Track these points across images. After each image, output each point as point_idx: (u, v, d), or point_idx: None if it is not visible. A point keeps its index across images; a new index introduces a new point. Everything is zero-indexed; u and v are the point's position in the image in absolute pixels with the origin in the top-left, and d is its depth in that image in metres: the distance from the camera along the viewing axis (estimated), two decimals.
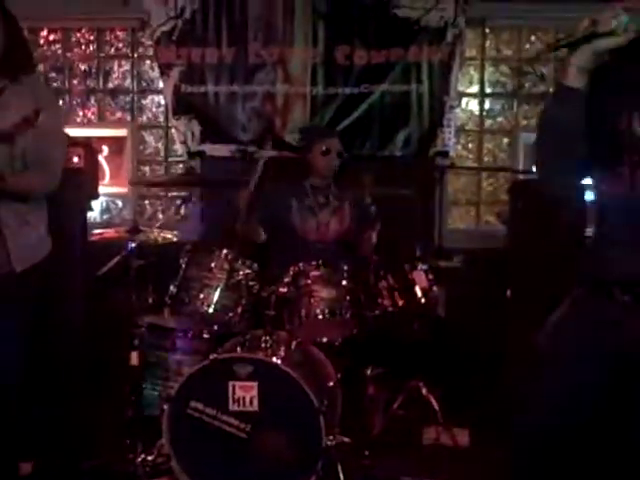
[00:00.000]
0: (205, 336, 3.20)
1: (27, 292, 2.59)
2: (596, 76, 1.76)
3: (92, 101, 5.05)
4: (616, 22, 1.64)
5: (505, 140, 4.94)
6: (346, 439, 3.10)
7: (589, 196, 3.18)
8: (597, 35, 1.66)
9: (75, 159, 3.78)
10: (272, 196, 3.75)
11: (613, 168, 1.76)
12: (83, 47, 5.03)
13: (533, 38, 4.91)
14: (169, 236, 3.70)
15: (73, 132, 4.22)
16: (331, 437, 2.88)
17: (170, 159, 5.00)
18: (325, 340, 3.22)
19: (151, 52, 4.81)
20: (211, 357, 2.85)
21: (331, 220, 3.79)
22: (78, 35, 5.02)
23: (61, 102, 4.99)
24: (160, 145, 5.04)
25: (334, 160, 3.78)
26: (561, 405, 1.87)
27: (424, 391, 3.58)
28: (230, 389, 2.78)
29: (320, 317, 3.08)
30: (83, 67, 5.03)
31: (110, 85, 5.04)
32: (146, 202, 5.06)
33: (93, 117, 5.05)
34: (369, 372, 3.32)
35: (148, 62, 4.97)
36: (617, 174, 1.76)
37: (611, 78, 1.77)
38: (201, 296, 3.07)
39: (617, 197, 1.78)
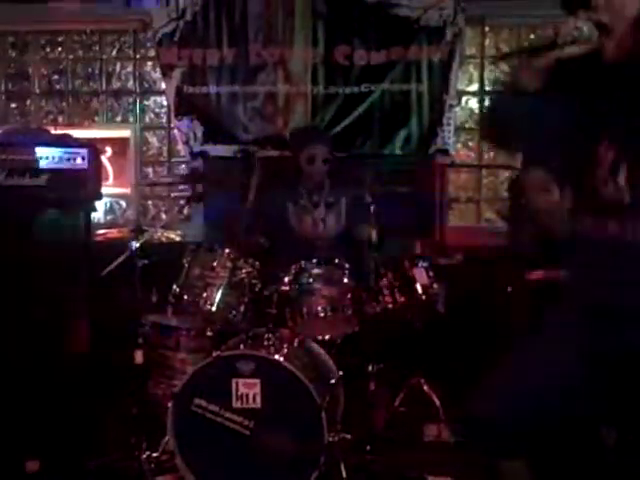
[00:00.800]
0: (208, 334, 3.23)
1: None
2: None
3: (95, 103, 5.09)
4: (578, 32, 1.66)
5: None
6: (348, 435, 3.13)
7: None
8: (559, 44, 1.69)
9: (79, 160, 3.81)
10: (268, 200, 3.78)
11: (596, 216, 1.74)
12: (85, 49, 5.07)
13: (532, 36, 4.94)
14: (172, 236, 3.75)
15: (77, 134, 4.26)
16: (333, 433, 2.91)
17: (173, 160, 5.05)
18: (327, 337, 3.25)
19: (153, 54, 4.85)
20: (214, 355, 2.89)
21: (327, 216, 3.83)
22: (80, 37, 5.06)
23: (64, 104, 5.04)
24: (163, 146, 5.08)
25: (319, 168, 3.81)
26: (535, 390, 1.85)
27: (425, 387, 3.61)
28: (233, 386, 2.81)
29: (322, 314, 3.11)
30: (86, 69, 5.07)
31: (113, 87, 5.08)
32: (149, 202, 5.10)
33: (96, 119, 5.09)
34: (370, 369, 3.33)
35: (150, 64, 5.02)
36: (602, 223, 1.73)
37: (581, 108, 1.75)
38: (204, 295, 3.10)
39: (604, 241, 1.74)
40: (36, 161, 3.71)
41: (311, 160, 3.79)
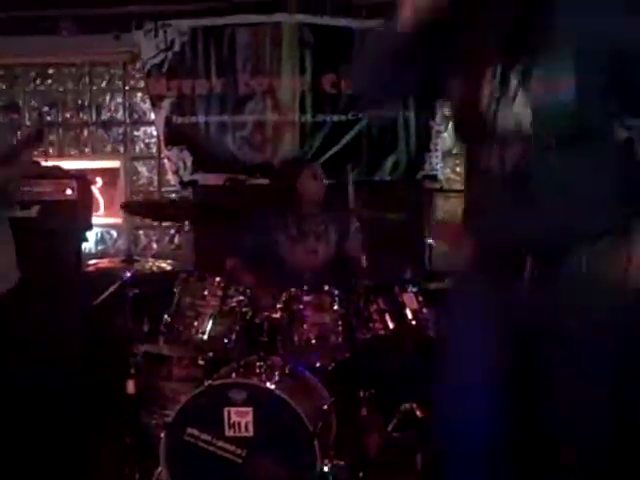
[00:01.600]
0: (200, 363, 3.24)
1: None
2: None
3: (85, 134, 5.13)
4: None
5: None
6: (341, 462, 3.13)
7: None
8: None
9: (69, 192, 3.84)
10: (258, 229, 3.80)
11: (481, 146, 1.67)
12: (75, 81, 5.11)
13: None
14: (163, 265, 3.76)
15: (67, 165, 4.29)
16: (326, 460, 2.91)
17: (163, 189, 5.07)
18: (318, 364, 3.26)
19: (142, 84, 4.90)
20: (206, 383, 2.89)
21: (318, 247, 3.84)
22: (70, 69, 5.10)
23: (54, 135, 5.08)
24: (153, 175, 5.11)
25: (322, 185, 3.84)
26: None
27: (418, 413, 3.61)
28: (226, 415, 2.81)
29: (313, 342, 3.13)
30: (76, 101, 5.11)
31: (103, 118, 5.11)
32: (140, 232, 5.11)
33: (87, 149, 5.12)
34: (362, 395, 3.34)
35: (139, 94, 5.06)
36: (488, 152, 1.66)
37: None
38: (195, 324, 3.12)
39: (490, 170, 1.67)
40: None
41: (315, 176, 3.82)
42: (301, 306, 3.18)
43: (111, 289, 3.44)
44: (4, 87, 5.16)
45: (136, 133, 5.12)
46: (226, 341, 3.14)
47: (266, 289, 3.43)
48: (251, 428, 2.81)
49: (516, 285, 1.68)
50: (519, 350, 1.71)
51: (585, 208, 1.62)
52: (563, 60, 1.53)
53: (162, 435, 2.84)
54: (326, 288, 3.25)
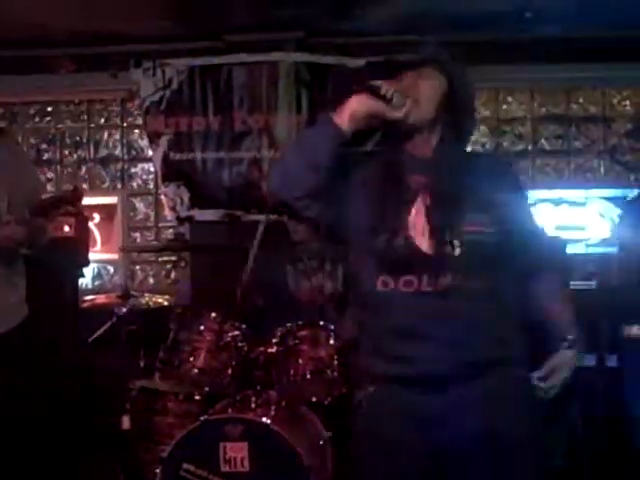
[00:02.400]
0: (196, 398, 3.23)
1: (7, 353, 2.64)
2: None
3: (83, 170, 5.17)
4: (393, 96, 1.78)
5: None
6: None
7: None
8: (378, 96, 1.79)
9: (66, 228, 3.86)
10: (267, 261, 3.81)
11: (400, 276, 1.79)
12: (74, 118, 5.17)
13: (510, 99, 5.08)
14: (160, 300, 3.77)
15: None
16: None
17: (160, 225, 5.11)
18: (314, 399, 3.25)
19: (140, 122, 4.95)
20: (202, 419, 2.88)
21: (325, 283, 3.84)
22: (69, 107, 5.17)
23: (52, 174, 5.13)
24: (150, 211, 5.15)
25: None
26: None
27: None
28: (221, 450, 2.80)
29: (309, 376, 3.13)
30: (74, 138, 5.17)
31: (100, 154, 5.17)
32: (137, 267, 5.13)
33: (84, 186, 5.16)
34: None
35: (137, 131, 5.12)
36: (406, 280, 1.79)
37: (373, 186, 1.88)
38: (191, 359, 3.13)
39: (407, 295, 1.79)
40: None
41: None
42: (297, 341, 3.19)
43: (107, 325, 3.45)
44: (3, 125, 5.20)
45: (134, 169, 5.17)
46: (222, 376, 3.14)
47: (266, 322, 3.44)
48: (247, 463, 2.79)
49: (436, 402, 1.79)
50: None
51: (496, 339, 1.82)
52: (484, 213, 1.80)
53: (157, 471, 2.82)
54: (321, 323, 3.25)
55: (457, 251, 1.76)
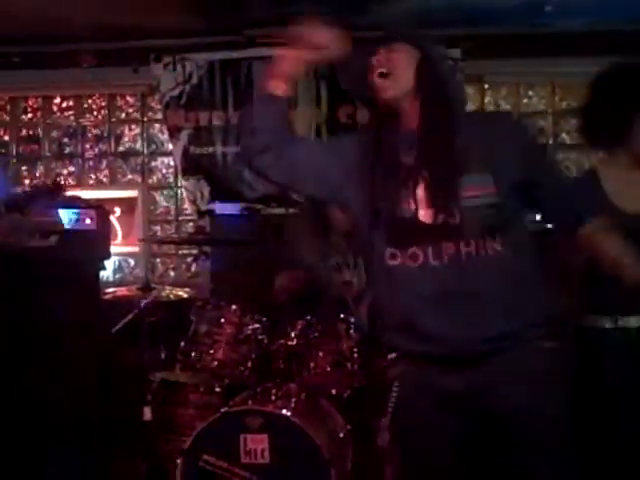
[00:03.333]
0: (216, 390, 3.25)
1: None
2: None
3: (104, 164, 5.21)
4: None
5: None
6: None
7: None
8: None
9: (88, 221, 3.89)
10: (300, 253, 3.82)
11: (405, 248, 1.81)
12: (95, 113, 5.21)
13: (531, 93, 5.06)
14: (180, 293, 3.79)
15: (86, 194, 4.35)
16: None
17: (180, 218, 5.13)
18: (334, 392, 3.26)
19: (160, 116, 4.97)
20: (222, 410, 2.90)
21: (353, 279, 3.84)
22: (90, 101, 5.20)
23: (73, 166, 5.17)
24: (170, 205, 5.18)
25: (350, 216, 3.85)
26: None
27: None
28: (242, 442, 2.82)
29: (329, 369, 3.14)
30: (95, 132, 5.20)
31: (121, 148, 5.21)
32: (157, 260, 5.16)
33: (105, 179, 5.20)
34: (378, 423, 3.33)
35: (158, 126, 5.14)
36: (412, 253, 1.80)
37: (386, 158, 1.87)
38: (211, 351, 3.15)
39: (414, 270, 1.80)
40: (59, 222, 3.77)
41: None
42: (317, 334, 3.19)
43: (128, 317, 3.48)
44: (26, 119, 5.25)
45: (154, 163, 5.20)
46: (242, 368, 3.16)
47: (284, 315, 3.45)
48: (267, 455, 2.81)
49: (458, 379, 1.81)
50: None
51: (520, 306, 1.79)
52: (485, 174, 1.78)
53: (178, 462, 2.84)
54: (342, 316, 3.26)
55: (457, 218, 1.75)
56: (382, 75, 1.84)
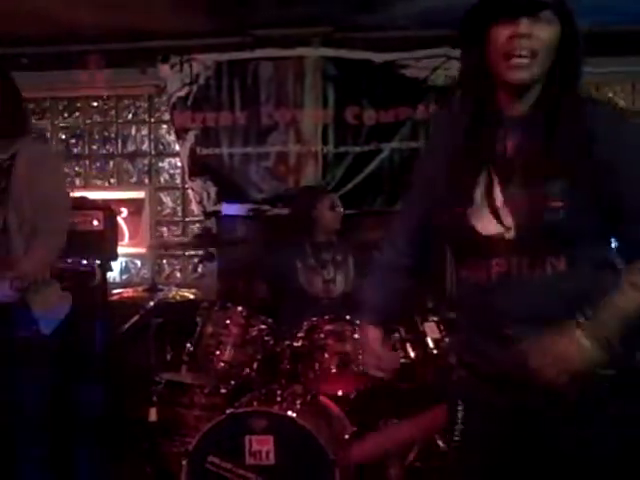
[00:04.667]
0: (222, 391, 3.26)
1: (54, 349, 2.66)
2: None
3: (111, 165, 5.22)
4: None
5: None
6: None
7: None
8: None
9: (95, 222, 3.89)
10: (277, 257, 3.83)
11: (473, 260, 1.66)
12: (102, 114, 5.22)
13: None
14: (187, 294, 3.80)
15: (93, 195, 4.35)
16: None
17: (187, 219, 5.14)
18: (339, 393, 3.27)
19: (167, 117, 4.98)
20: (227, 412, 2.91)
21: (336, 276, 3.84)
22: (97, 102, 5.21)
23: (80, 167, 5.18)
24: (177, 206, 5.18)
25: (340, 214, 3.88)
26: None
27: (440, 443, 3.58)
28: (247, 443, 2.82)
29: (334, 370, 3.14)
30: (102, 133, 5.22)
31: (128, 149, 5.21)
32: (164, 261, 5.16)
33: (112, 180, 5.21)
34: (384, 424, 3.33)
35: (165, 126, 5.14)
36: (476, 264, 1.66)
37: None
38: (217, 352, 3.16)
39: (477, 285, 1.66)
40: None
41: (332, 206, 3.86)
42: (322, 335, 3.19)
43: (135, 318, 3.48)
44: (33, 120, 5.26)
45: (161, 164, 5.20)
46: (248, 370, 3.17)
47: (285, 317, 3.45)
48: (272, 456, 2.81)
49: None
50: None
51: None
52: (555, 185, 1.55)
53: (183, 463, 2.85)
54: (347, 317, 3.26)
55: (511, 233, 1.59)
56: (523, 55, 1.54)
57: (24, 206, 2.49)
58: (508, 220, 1.59)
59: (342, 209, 3.93)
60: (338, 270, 3.85)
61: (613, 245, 1.70)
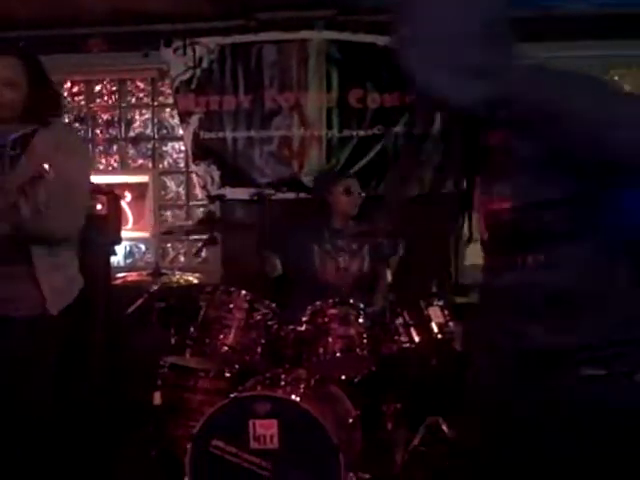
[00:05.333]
0: (226, 375, 3.26)
1: (61, 332, 2.66)
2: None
3: (114, 149, 5.21)
4: None
5: None
6: (367, 476, 3.13)
7: None
8: None
9: (99, 206, 3.89)
10: (293, 239, 3.84)
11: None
12: (105, 97, 5.20)
13: None
14: (190, 278, 3.80)
15: (96, 179, 4.35)
16: (351, 474, 2.91)
17: (191, 203, 5.13)
18: (343, 377, 3.27)
19: (171, 101, 4.96)
20: (232, 396, 2.91)
21: (350, 264, 3.85)
22: (100, 86, 5.20)
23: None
24: (181, 190, 5.18)
25: (356, 199, 3.88)
26: None
27: (444, 427, 3.59)
28: (251, 427, 2.83)
29: (338, 355, 3.14)
30: (105, 117, 5.20)
31: (132, 133, 5.20)
32: (168, 245, 5.17)
33: (116, 165, 5.20)
34: (388, 409, 3.34)
35: (168, 110, 5.13)
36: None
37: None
38: (221, 336, 3.15)
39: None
40: None
41: (348, 191, 3.86)
42: (326, 319, 3.19)
43: (139, 302, 3.48)
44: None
45: (164, 148, 5.20)
46: (252, 354, 3.16)
47: (292, 300, 3.45)
48: (276, 440, 2.82)
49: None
50: None
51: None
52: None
53: (187, 447, 2.86)
54: (351, 301, 3.26)
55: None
56: None
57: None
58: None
59: (361, 193, 3.93)
60: (352, 259, 3.86)
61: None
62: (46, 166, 2.30)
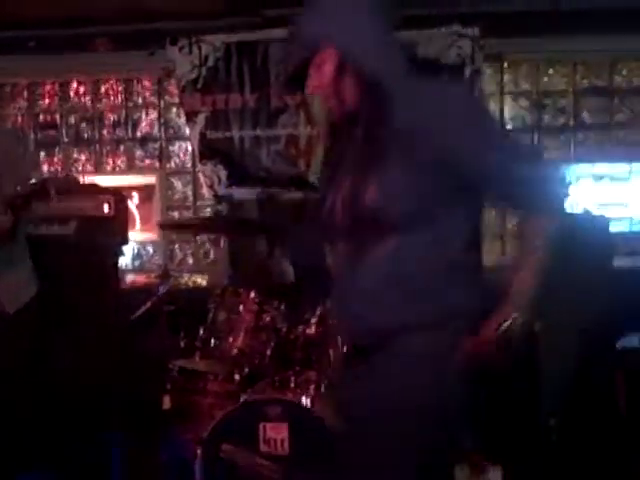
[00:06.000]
0: (236, 378, 3.23)
1: (21, 329, 2.67)
2: None
3: (121, 150, 5.20)
4: None
5: None
6: None
7: None
8: None
9: (105, 208, 3.88)
10: (306, 237, 3.81)
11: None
12: (112, 98, 5.19)
13: (551, 71, 4.96)
14: (199, 280, 3.79)
15: (103, 180, 4.35)
16: None
17: (198, 203, 5.12)
18: None
19: (177, 100, 4.94)
20: (242, 399, 2.90)
21: None
22: (106, 86, 5.18)
23: (90, 152, 5.16)
24: (188, 190, 5.16)
25: None
26: None
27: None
28: (261, 430, 2.81)
29: None
30: (112, 117, 5.18)
31: (138, 134, 5.19)
32: (176, 247, 5.15)
33: (122, 165, 5.19)
34: None
35: (174, 110, 5.11)
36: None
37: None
38: (230, 339, 3.13)
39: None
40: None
41: None
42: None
43: (147, 305, 3.47)
44: (43, 105, 5.24)
45: (171, 148, 5.18)
46: (261, 356, 3.14)
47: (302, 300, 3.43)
48: (286, 444, 2.80)
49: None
50: None
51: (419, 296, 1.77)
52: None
53: (197, 451, 2.85)
54: None
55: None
56: None
57: None
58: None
59: None
60: None
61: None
62: None
